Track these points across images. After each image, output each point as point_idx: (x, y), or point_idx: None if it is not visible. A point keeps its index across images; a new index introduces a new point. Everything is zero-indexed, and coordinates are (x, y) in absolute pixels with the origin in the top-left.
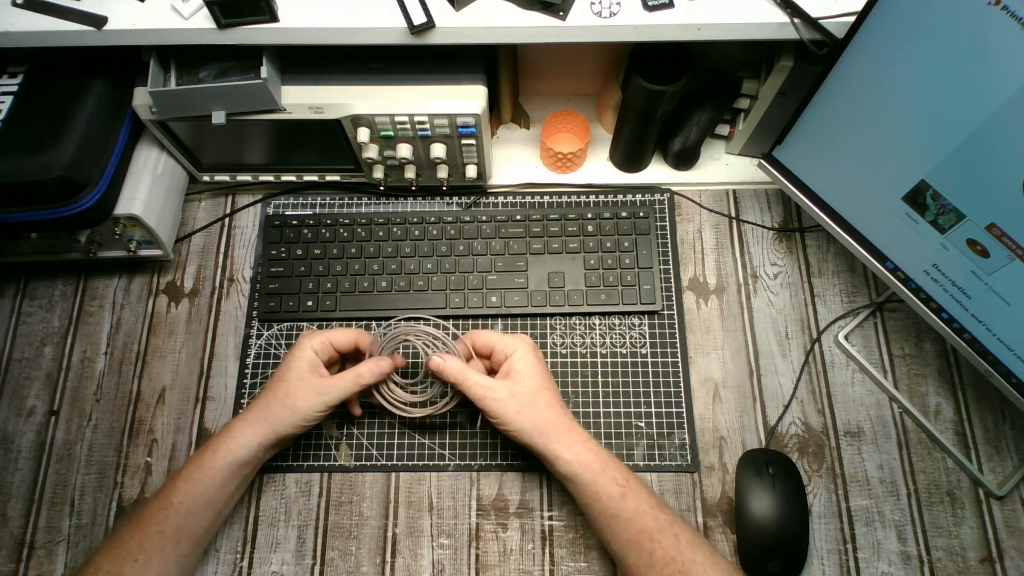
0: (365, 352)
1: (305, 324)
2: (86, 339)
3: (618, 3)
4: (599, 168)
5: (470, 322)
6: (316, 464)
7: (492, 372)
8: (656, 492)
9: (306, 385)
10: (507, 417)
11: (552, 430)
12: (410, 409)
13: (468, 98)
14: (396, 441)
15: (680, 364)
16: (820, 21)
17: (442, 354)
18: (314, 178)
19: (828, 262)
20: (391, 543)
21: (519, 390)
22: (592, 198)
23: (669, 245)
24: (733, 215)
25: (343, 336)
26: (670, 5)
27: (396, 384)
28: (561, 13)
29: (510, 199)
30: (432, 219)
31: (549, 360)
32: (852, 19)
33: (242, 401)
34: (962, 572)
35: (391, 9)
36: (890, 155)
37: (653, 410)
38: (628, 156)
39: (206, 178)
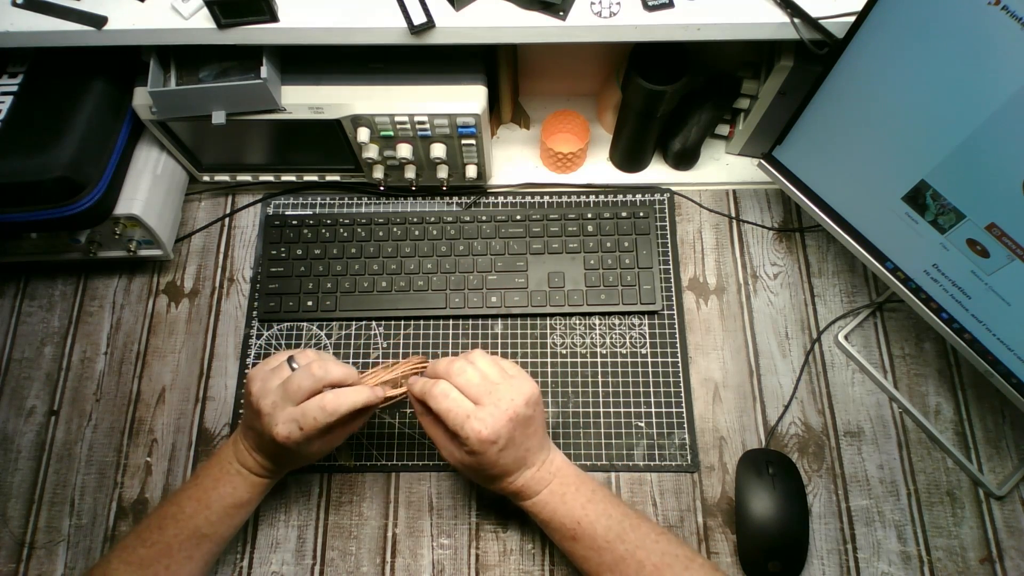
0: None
1: (305, 324)
2: (86, 339)
3: (618, 3)
4: (599, 168)
5: (470, 322)
6: (316, 464)
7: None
8: (656, 492)
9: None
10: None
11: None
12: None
13: (468, 98)
14: (396, 441)
15: (680, 364)
16: (820, 21)
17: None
18: (314, 178)
19: (828, 262)
20: (391, 543)
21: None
22: (592, 198)
23: (669, 245)
24: (733, 215)
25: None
26: (670, 5)
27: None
28: (561, 13)
29: (510, 199)
30: (432, 219)
31: (549, 360)
32: (852, 19)
33: (242, 402)
34: (962, 572)
35: (391, 9)
36: (890, 155)
37: (653, 410)
38: (628, 156)
39: (206, 178)
